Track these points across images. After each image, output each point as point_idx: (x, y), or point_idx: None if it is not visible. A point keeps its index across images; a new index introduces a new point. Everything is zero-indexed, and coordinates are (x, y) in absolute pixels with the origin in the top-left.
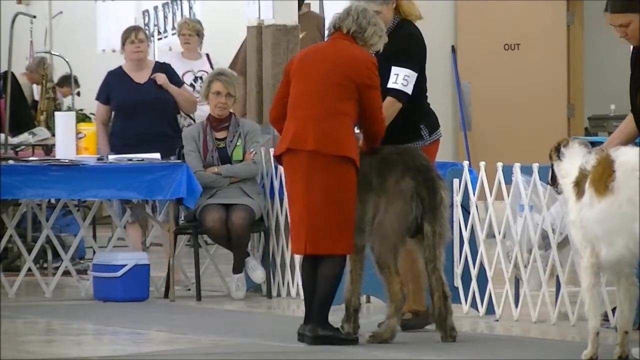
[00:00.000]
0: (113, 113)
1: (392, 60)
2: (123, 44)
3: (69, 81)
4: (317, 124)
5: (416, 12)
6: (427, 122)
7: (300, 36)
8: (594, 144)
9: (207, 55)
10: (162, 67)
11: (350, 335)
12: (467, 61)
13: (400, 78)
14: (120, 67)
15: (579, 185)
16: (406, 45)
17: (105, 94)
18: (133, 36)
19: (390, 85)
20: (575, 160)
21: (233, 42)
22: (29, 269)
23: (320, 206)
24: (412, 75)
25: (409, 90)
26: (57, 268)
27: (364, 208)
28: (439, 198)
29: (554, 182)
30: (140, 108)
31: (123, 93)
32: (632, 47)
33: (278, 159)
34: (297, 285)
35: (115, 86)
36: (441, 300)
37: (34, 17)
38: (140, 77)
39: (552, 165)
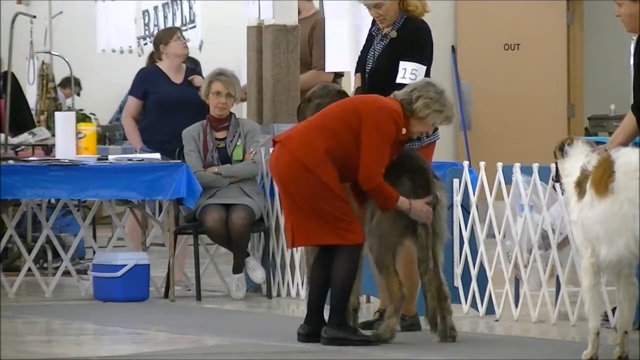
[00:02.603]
0: (146, 109)
1: (400, 55)
2: (166, 42)
3: (70, 82)
4: (299, 127)
5: (421, 9)
6: None
7: None
8: (598, 144)
9: None
10: (194, 72)
11: (369, 337)
12: (467, 61)
13: (408, 72)
14: (155, 66)
15: (580, 185)
16: (414, 39)
17: (142, 89)
18: (179, 33)
19: (398, 80)
20: (577, 160)
21: (233, 42)
22: (29, 269)
23: (299, 201)
24: (421, 69)
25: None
26: (57, 268)
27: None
28: (435, 198)
29: (557, 179)
30: (177, 106)
31: (164, 90)
32: (634, 42)
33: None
34: (297, 285)
35: (153, 82)
36: (434, 300)
37: (34, 17)
38: (177, 78)
39: (556, 163)
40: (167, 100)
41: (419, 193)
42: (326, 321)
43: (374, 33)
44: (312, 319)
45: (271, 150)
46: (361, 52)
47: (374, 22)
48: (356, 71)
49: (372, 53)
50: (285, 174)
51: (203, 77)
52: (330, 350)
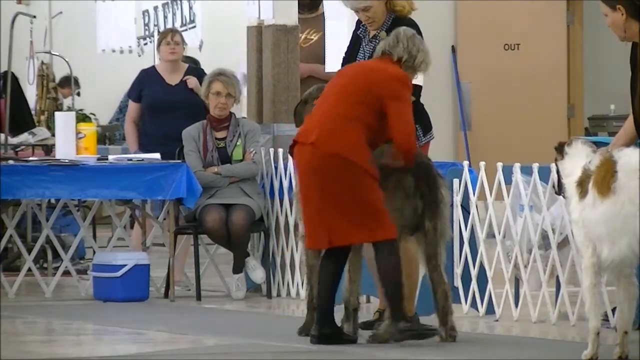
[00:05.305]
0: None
1: None
2: (159, 44)
3: (69, 82)
4: (324, 121)
5: (408, 8)
6: (422, 123)
7: (316, 37)
8: (597, 145)
9: None
10: (195, 71)
11: (432, 326)
12: (467, 61)
13: None
14: (153, 67)
15: (582, 185)
16: None
17: (137, 92)
18: (169, 37)
19: None
20: (578, 160)
21: (233, 42)
22: (29, 269)
23: (337, 196)
24: None
25: (419, 82)
26: (57, 268)
27: None
28: (439, 195)
29: (559, 186)
30: (170, 108)
31: (154, 92)
32: (631, 46)
33: (291, 153)
34: (297, 285)
35: (147, 85)
36: (444, 296)
37: (34, 17)
38: (173, 79)
39: (557, 168)
40: (157, 102)
41: (422, 188)
42: (337, 323)
43: (360, 35)
44: (326, 320)
45: (271, 149)
46: (348, 54)
47: (358, 24)
48: None
49: (362, 55)
50: (325, 171)
51: (206, 74)
52: (330, 350)
